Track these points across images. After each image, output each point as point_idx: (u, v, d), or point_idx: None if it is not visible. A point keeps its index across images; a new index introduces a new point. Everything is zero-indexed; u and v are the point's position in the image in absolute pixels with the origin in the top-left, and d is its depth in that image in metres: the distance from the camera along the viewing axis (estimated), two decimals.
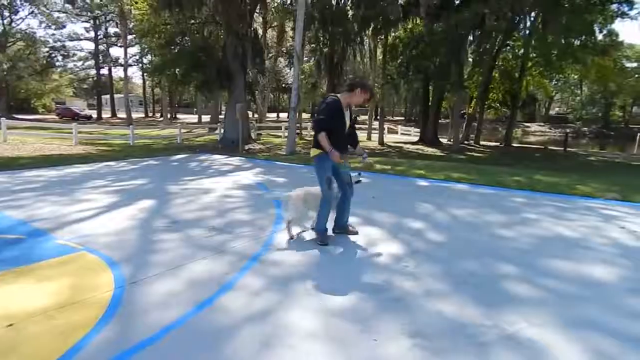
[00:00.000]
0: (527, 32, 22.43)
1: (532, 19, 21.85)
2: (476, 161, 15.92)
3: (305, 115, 40.21)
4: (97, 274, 3.43)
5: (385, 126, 27.27)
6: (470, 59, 23.93)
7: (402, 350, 2.47)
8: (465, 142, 25.29)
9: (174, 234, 4.53)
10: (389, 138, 26.97)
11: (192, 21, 18.90)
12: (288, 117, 16.08)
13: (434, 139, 23.99)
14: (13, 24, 41.20)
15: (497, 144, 27.12)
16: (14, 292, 3.08)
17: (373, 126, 26.78)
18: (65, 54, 48.42)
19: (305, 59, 27.96)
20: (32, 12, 43.77)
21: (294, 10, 18.43)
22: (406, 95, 30.82)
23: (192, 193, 6.77)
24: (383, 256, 3.98)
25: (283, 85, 42.26)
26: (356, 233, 4.59)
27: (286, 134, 19.98)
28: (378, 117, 27.15)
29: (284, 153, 14.31)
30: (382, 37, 22.12)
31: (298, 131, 22.26)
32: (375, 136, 25.54)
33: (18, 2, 42.39)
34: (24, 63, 39.59)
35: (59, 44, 46.77)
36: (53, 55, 47.13)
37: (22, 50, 40.01)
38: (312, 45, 21.86)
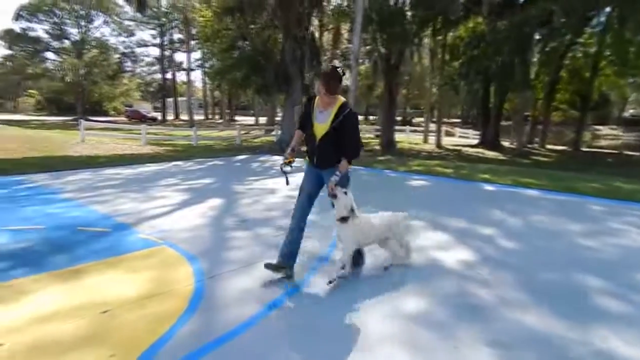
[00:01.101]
0: (601, 29, 20.93)
1: (606, 14, 20.37)
2: (543, 166, 15.07)
3: (360, 117, 40.15)
4: (177, 267, 3.62)
5: (443, 129, 26.55)
6: (535, 59, 22.72)
7: (484, 358, 2.39)
8: (529, 145, 24.05)
9: (244, 232, 4.68)
10: (446, 141, 26.25)
11: (252, 26, 19.48)
12: None
13: (495, 142, 23.00)
14: (89, 33, 44.63)
15: (565, 147, 25.53)
16: (107, 281, 3.32)
17: (430, 128, 26.18)
18: (134, 59, 51.75)
19: (359, 60, 27.89)
20: (106, 21, 47.18)
21: (350, 12, 18.45)
22: (464, 97, 29.77)
23: (257, 193, 6.97)
24: (453, 262, 3.88)
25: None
26: (290, 277, 3.44)
27: None
28: (435, 119, 26.51)
29: None
30: (442, 37, 21.57)
31: None
32: (432, 139, 24.95)
33: (93, 13, 45.90)
34: (98, 69, 42.70)
35: (128, 50, 50.07)
36: (123, 61, 50.50)
37: (97, 57, 43.10)
38: (369, 46, 21.75)
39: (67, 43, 43.77)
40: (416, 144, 23.23)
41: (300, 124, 3.51)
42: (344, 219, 3.28)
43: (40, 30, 43.13)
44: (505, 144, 24.87)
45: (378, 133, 22.96)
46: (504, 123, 28.41)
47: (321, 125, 3.25)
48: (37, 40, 42.60)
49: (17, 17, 42.43)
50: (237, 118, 52.43)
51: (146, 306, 2.90)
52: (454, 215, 5.58)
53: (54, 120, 36.71)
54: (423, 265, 3.87)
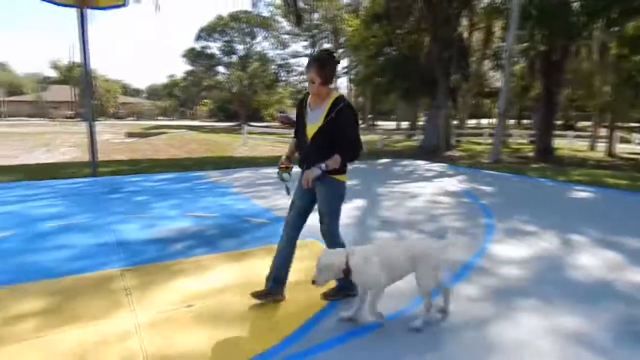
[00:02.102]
0: None
1: None
2: None
3: (511, 121, 36.98)
4: None
5: (616, 134, 22.76)
6: None
7: None
8: None
9: (386, 233, 4.84)
10: (621, 148, 22.45)
11: (398, 31, 19.60)
12: (490, 123, 15.07)
13: None
14: (252, 48, 50.47)
15: None
16: (266, 265, 3.80)
17: (600, 134, 22.70)
18: (288, 70, 56.54)
19: (514, 59, 25.71)
20: (266, 36, 52.71)
21: (504, 9, 17.17)
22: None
23: (399, 196, 7.06)
24: (627, 284, 3.40)
25: (486, 89, 39.71)
26: (281, 299, 3.05)
27: (488, 141, 18.75)
28: (606, 124, 22.88)
29: (487, 161, 13.49)
30: (618, 28, 18.54)
31: (503, 138, 20.66)
32: (601, 146, 21.62)
33: (256, 30, 51.70)
34: (258, 79, 48.06)
35: (283, 61, 54.98)
36: (278, 71, 55.67)
37: (257, 69, 48.49)
38: (525, 43, 19.92)
39: (234, 58, 50.21)
40: (580, 151, 20.41)
41: (295, 131, 3.07)
42: (313, 282, 2.60)
43: (214, 47, 50.50)
44: None
45: (532, 139, 20.85)
46: None
47: (312, 125, 2.83)
48: (211, 56, 49.93)
49: (198, 37, 50.36)
50: (378, 123, 53.12)
51: (296, 291, 3.24)
52: (627, 233, 4.84)
53: (221, 125, 42.35)
54: (588, 284, 3.48)
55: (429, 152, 16.28)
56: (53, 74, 75.26)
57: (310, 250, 4.20)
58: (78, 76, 56.29)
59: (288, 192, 3.09)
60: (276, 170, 3.07)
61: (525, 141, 23.89)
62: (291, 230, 3.05)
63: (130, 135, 25.48)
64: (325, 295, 3.09)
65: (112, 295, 3.10)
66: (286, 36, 52.34)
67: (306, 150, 2.88)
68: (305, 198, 3.00)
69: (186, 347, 2.42)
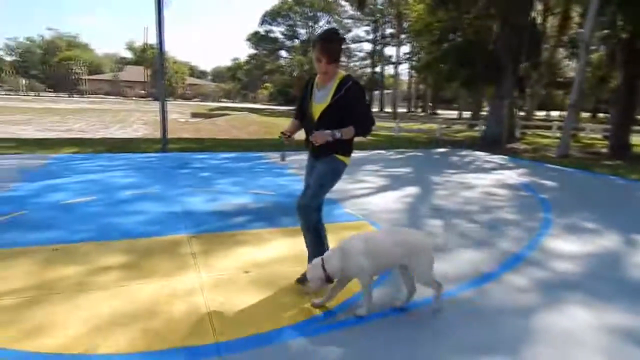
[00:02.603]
0: None
1: None
2: None
3: (585, 114, 34.52)
4: None
5: None
6: None
7: None
8: None
9: (436, 220, 4.89)
10: None
11: (465, 16, 18.87)
12: (561, 115, 14.22)
13: None
14: (314, 32, 50.69)
15: None
16: None
17: None
18: (349, 54, 56.18)
19: (592, 47, 23.86)
20: (328, 21, 52.64)
21: None
22: None
23: (454, 186, 7.01)
24: None
25: (559, 79, 37.19)
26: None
27: (557, 135, 17.71)
28: None
29: (553, 155, 12.81)
30: None
31: (573, 132, 19.41)
32: None
33: (319, 14, 51.76)
34: None
35: (344, 47, 54.78)
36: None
37: None
38: (606, 31, 18.40)
39: (296, 42, 50.75)
40: None
41: (296, 113, 3.06)
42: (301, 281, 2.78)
43: (277, 32, 51.34)
44: None
45: (607, 134, 19.39)
46: None
47: (320, 104, 2.81)
48: (274, 40, 50.82)
49: (262, 21, 51.37)
50: (439, 111, 51.66)
51: None
52: None
53: (281, 109, 43.17)
54: None
55: (490, 143, 15.70)
56: (128, 54, 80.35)
57: (361, 230, 4.38)
58: (151, 57, 59.68)
59: (283, 159, 3.26)
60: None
61: (599, 136, 22.26)
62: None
63: (195, 115, 26.76)
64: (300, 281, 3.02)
65: (181, 257, 3.47)
66: (349, 20, 51.99)
67: (314, 130, 2.77)
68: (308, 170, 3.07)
69: (241, 306, 2.70)
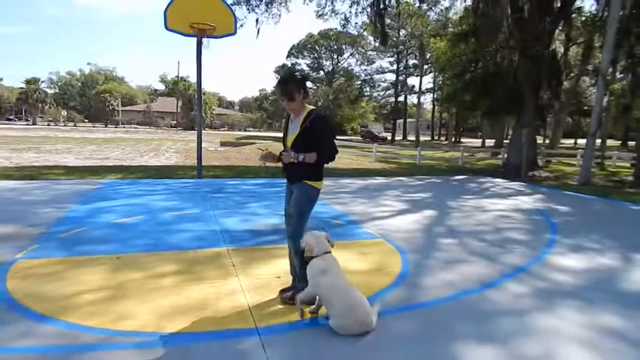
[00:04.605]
0: None
1: None
2: None
3: (611, 142, 34.10)
4: (391, 256, 4.60)
5: None
6: None
7: None
8: None
9: (450, 240, 5.35)
10: None
11: (486, 49, 19.47)
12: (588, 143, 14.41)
13: None
14: (338, 64, 52.36)
15: None
16: (340, 257, 4.54)
17: None
18: (372, 85, 57.56)
19: (619, 75, 23.94)
20: (352, 53, 54.31)
21: (603, 24, 16.34)
22: None
23: (469, 210, 7.44)
24: None
25: (585, 107, 36.99)
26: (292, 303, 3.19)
27: (581, 163, 17.78)
28: None
29: (575, 183, 12.99)
30: None
31: (599, 160, 19.42)
32: None
33: (344, 47, 53.49)
34: (343, 94, 49.64)
35: (368, 77, 56.14)
36: (363, 86, 56.90)
37: (343, 84, 50.19)
38: (627, 61, 18.61)
39: (321, 73, 52.43)
40: None
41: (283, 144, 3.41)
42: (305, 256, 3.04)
43: (303, 64, 53.26)
44: None
45: (633, 162, 19.28)
46: None
47: (292, 135, 3.22)
48: (300, 72, 52.64)
49: (289, 54, 53.46)
50: (463, 140, 51.75)
51: (366, 276, 3.94)
52: None
53: None
54: None
55: (511, 171, 15.95)
56: (161, 86, 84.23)
57: (378, 248, 4.90)
58: (182, 89, 62.54)
59: (264, 164, 3.39)
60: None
61: (627, 164, 22.06)
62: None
63: (223, 144, 28.01)
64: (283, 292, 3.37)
65: (223, 266, 4.06)
66: (372, 52, 53.49)
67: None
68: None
69: (274, 303, 3.26)
